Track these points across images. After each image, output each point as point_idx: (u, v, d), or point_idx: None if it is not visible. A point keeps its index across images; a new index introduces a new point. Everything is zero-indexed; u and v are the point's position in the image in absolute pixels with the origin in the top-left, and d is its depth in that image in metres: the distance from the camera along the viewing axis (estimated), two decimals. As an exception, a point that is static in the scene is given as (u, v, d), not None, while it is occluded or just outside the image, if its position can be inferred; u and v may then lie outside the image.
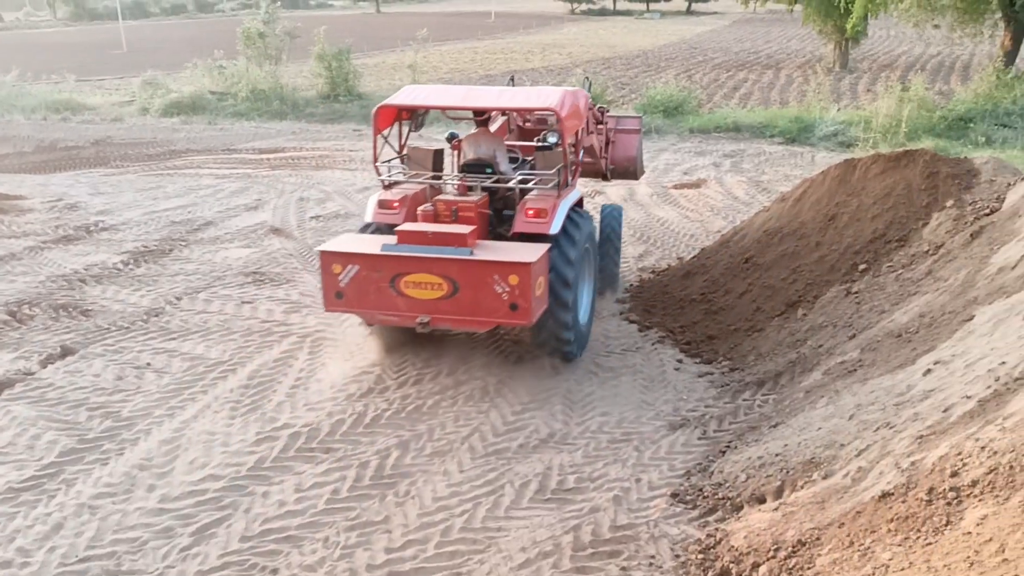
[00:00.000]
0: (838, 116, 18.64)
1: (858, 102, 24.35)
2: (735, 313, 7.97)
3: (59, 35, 79.01)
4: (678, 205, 13.54)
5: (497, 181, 7.90)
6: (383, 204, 7.79)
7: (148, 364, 7.75)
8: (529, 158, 8.71)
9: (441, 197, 7.86)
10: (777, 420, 5.98)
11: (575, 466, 6.05)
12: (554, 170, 7.75)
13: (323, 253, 7.20)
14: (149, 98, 22.57)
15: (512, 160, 8.57)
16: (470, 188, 7.91)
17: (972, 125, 17.46)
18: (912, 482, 4.38)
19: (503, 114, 9.49)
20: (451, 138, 8.90)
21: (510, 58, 42.09)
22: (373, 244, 7.23)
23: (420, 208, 7.69)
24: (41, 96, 23.52)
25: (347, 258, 7.10)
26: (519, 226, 7.42)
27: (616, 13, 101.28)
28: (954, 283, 6.33)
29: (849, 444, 5.06)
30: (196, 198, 14.09)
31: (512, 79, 10.54)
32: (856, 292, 7.20)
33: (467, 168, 8.17)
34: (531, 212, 7.38)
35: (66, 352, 7.92)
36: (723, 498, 5.35)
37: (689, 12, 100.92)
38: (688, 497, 5.50)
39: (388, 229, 7.50)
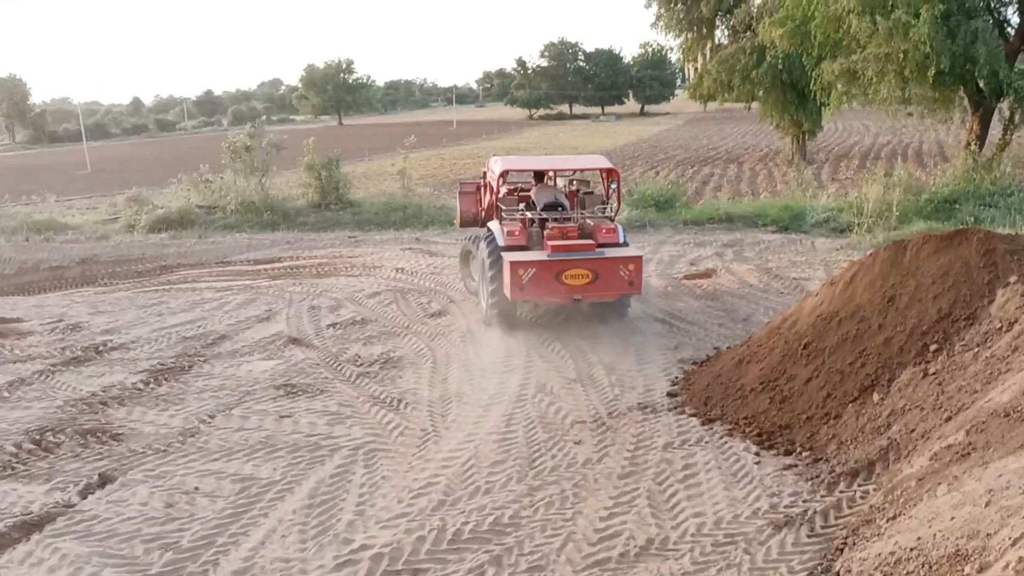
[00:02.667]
0: (828, 203, 19.07)
1: (827, 190, 24.98)
2: (804, 400, 7.77)
3: (20, 159, 78.99)
4: (696, 296, 13.50)
5: (568, 218, 11.87)
6: (510, 233, 11.54)
7: (196, 488, 7.25)
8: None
9: (553, 224, 11.59)
10: (893, 512, 5.71)
11: (687, 574, 5.67)
12: (605, 206, 12.38)
13: (512, 263, 10.79)
14: (135, 214, 22.29)
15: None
16: (567, 219, 11.82)
17: (958, 206, 17.99)
18: (1090, 569, 4.14)
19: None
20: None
21: (478, 162, 42.76)
22: (538, 255, 11.09)
23: (547, 231, 11.50)
24: (20, 218, 23.11)
25: (528, 264, 10.86)
26: (601, 239, 11.45)
27: (573, 117, 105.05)
28: (1046, 358, 6.24)
29: (997, 533, 4.80)
30: (203, 312, 13.70)
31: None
32: (934, 373, 7.08)
33: (547, 208, 12.04)
34: (606, 231, 11.58)
35: (105, 480, 7.39)
36: (862, 599, 5.01)
37: (643, 114, 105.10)
38: (823, 600, 5.15)
39: (515, 248, 11.34)
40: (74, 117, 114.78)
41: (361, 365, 10.71)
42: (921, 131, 49.94)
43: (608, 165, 12.61)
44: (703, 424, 8.22)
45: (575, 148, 55.07)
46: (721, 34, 41.95)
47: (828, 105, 21.59)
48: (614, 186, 12.45)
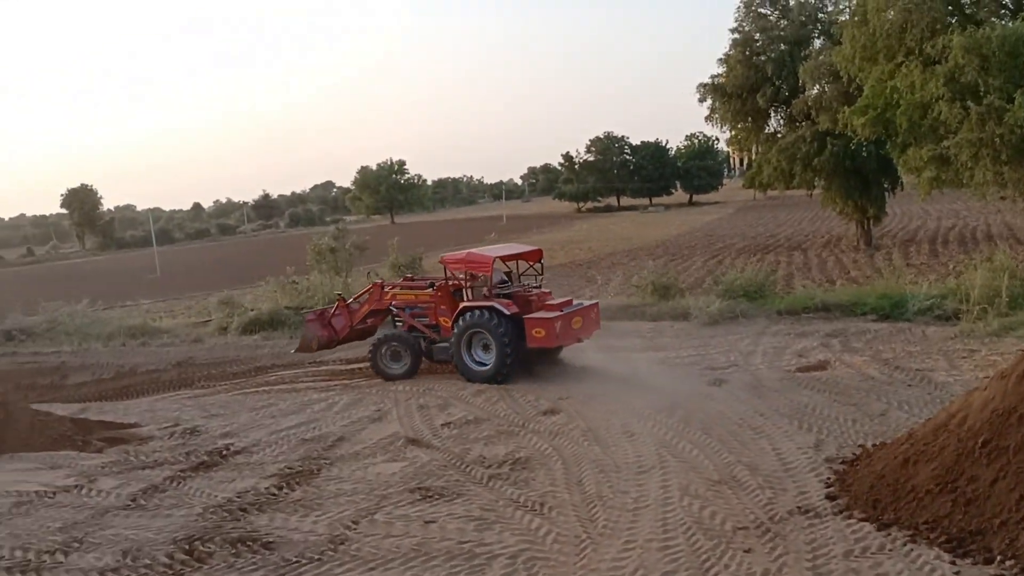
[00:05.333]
0: (931, 290, 18.59)
1: (909, 276, 24.36)
2: (994, 504, 7.31)
3: (90, 264, 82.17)
4: (816, 390, 13.04)
5: (518, 289, 15.67)
6: (508, 305, 14.66)
7: (364, 602, 7.02)
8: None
9: (524, 294, 15.37)
10: None
11: None
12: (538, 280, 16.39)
13: (548, 320, 14.29)
14: (226, 317, 22.75)
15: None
16: (519, 290, 15.62)
17: (1068, 289, 17.39)
18: None
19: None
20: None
21: (546, 252, 43.11)
22: (554, 313, 14.54)
23: (532, 297, 15.19)
24: (115, 323, 23.73)
25: (556, 319, 14.30)
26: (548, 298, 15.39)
27: (621, 209, 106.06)
28: None
29: None
30: (313, 413, 13.69)
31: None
32: None
33: (501, 284, 15.73)
34: (546, 294, 15.56)
35: (275, 593, 7.20)
36: None
37: (691, 203, 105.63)
38: None
39: (517, 315, 14.62)
40: (139, 223, 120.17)
41: (490, 467, 10.48)
42: (985, 214, 49.33)
43: (533, 248, 16.53)
44: (878, 529, 7.75)
45: (628, 239, 55.48)
46: (776, 123, 42.39)
47: (892, 190, 21.21)
48: (543, 262, 16.48)
